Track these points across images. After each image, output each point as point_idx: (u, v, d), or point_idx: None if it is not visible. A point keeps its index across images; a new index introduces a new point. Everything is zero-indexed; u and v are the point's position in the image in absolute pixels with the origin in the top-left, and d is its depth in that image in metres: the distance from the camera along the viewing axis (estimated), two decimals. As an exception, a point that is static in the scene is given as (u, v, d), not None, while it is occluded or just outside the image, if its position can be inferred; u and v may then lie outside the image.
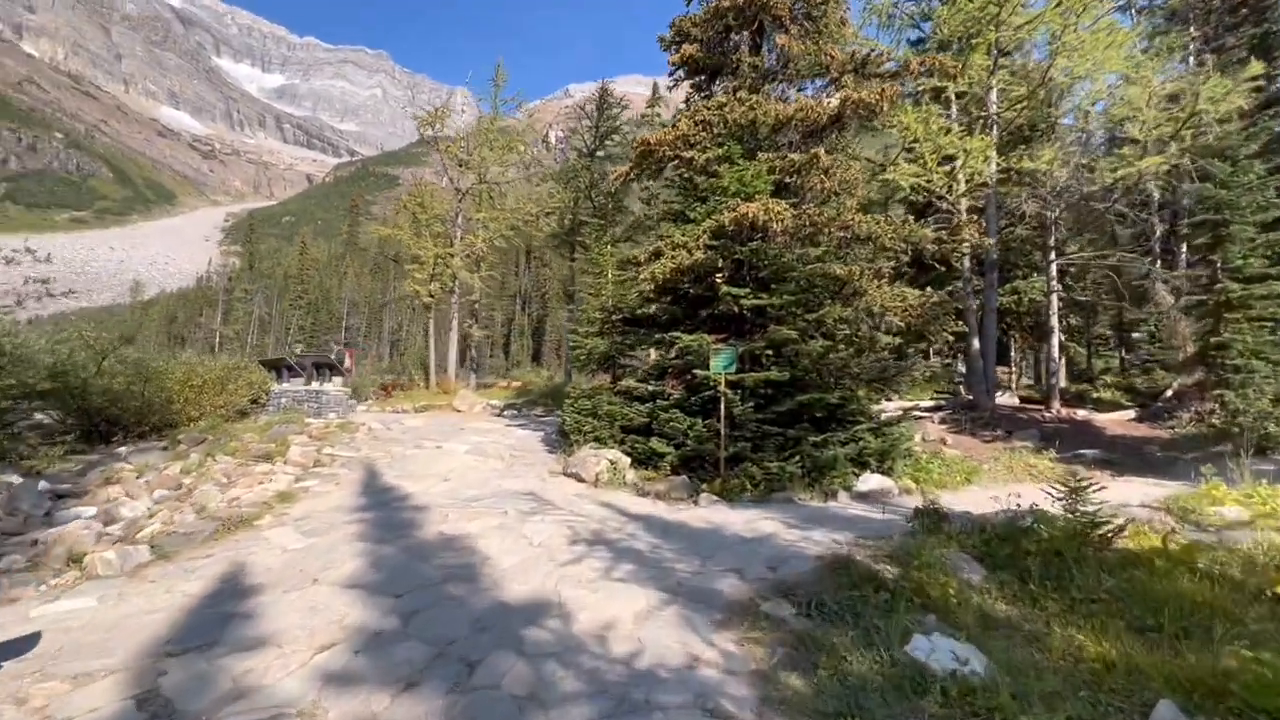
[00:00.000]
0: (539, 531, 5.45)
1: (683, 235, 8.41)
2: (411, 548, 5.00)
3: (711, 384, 8.02)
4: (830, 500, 7.30)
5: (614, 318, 9.56)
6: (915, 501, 6.06)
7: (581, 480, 8.08)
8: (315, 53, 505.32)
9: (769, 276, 8.54)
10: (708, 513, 6.61)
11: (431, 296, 17.96)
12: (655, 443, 8.30)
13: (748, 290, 8.30)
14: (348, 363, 13.01)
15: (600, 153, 16.32)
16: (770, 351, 8.22)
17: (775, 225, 7.74)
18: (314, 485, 7.48)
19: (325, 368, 11.15)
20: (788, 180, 8.72)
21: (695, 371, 8.17)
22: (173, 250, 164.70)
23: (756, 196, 8.13)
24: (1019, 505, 5.26)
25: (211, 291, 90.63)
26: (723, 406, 7.82)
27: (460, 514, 6.16)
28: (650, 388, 9.04)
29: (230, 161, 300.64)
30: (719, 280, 8.41)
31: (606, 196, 16.01)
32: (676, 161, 9.05)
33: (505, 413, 14.16)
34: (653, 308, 9.57)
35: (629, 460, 8.41)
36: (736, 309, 8.49)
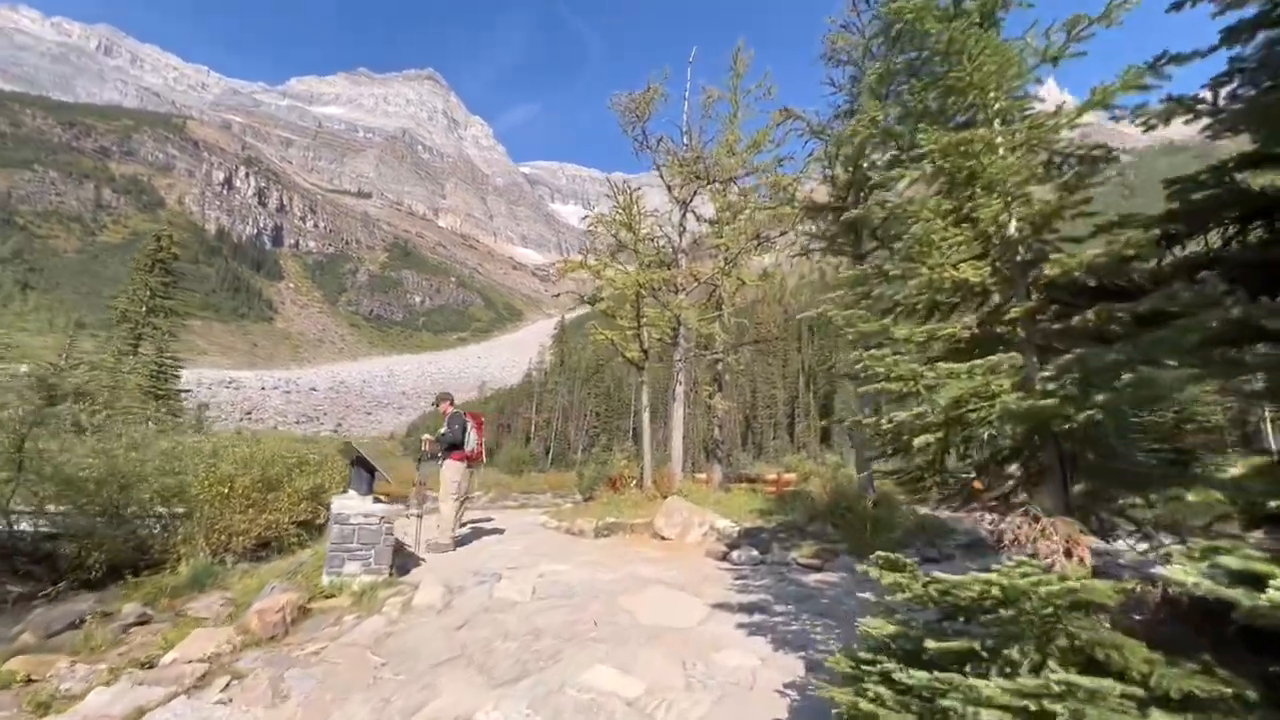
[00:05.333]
0: None
1: None
2: None
3: None
4: None
5: (1043, 263, 2.19)
6: None
7: None
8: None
9: None
10: None
11: (643, 353, 12.31)
12: None
13: None
14: (471, 441, 7.50)
15: (878, 47, 8.75)
16: None
17: None
18: None
19: (362, 468, 5.99)
20: None
21: None
22: (517, 355, 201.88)
23: None
24: None
25: (530, 385, 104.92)
26: None
27: None
28: None
29: (559, 281, 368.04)
30: None
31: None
32: None
33: (738, 552, 7.10)
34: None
35: None
36: None
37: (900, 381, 2.43)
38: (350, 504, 5.40)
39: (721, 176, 13.94)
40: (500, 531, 9.62)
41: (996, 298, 2.71)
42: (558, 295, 12.72)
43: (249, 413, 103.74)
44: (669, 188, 13.27)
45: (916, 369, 2.37)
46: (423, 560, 6.54)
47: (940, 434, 2.38)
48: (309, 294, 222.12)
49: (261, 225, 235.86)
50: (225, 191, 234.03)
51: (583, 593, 5.33)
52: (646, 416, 12.10)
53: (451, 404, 7.94)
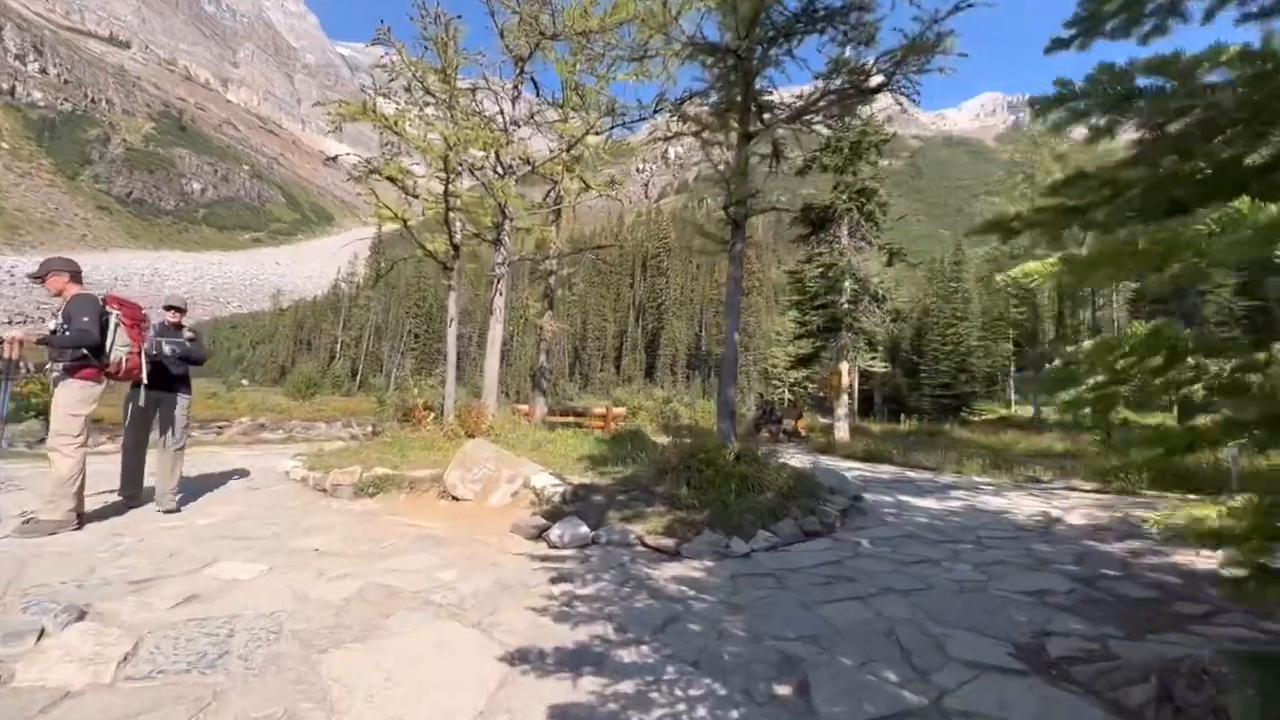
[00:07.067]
0: None
1: None
2: None
3: None
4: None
5: None
6: None
7: None
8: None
9: None
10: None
11: (453, 248, 9.19)
12: None
13: None
14: (121, 347, 4.29)
15: None
16: None
17: None
18: None
19: None
20: None
21: None
22: (326, 265, 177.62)
23: None
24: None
25: (338, 299, 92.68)
26: None
27: None
28: None
29: (379, 186, 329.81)
30: None
31: None
32: None
33: (560, 528, 4.89)
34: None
35: None
36: None
37: None
38: None
39: (572, 31, 10.93)
40: (218, 486, 6.44)
41: None
42: (331, 159, 9.13)
43: (-71, 306, 78.12)
44: (501, 33, 9.98)
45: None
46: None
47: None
48: (33, 160, 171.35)
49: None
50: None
51: (249, 647, 2.72)
52: (452, 333, 9.24)
53: (75, 281, 4.49)
